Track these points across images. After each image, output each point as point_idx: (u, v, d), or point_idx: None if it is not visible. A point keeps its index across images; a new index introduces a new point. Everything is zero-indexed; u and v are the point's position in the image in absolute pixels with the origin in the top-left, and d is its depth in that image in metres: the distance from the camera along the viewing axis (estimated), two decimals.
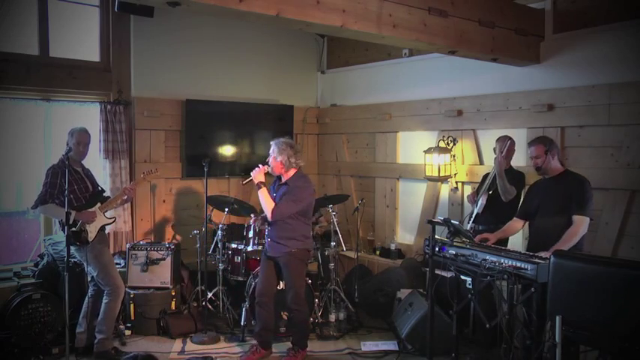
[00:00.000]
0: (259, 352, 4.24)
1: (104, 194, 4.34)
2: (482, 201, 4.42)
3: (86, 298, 4.26)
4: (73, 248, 4.01)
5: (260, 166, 4.13)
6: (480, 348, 4.10)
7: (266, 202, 4.06)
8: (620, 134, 4.12)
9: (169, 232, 5.64)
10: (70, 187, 3.95)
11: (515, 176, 4.31)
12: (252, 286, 4.59)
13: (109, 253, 4.34)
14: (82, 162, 4.29)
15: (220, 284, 5.04)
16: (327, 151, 6.75)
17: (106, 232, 4.42)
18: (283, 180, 4.15)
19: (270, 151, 4.16)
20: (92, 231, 4.10)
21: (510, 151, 4.37)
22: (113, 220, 4.34)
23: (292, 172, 4.15)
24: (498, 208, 4.28)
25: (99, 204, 4.21)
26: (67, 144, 4.13)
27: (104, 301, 4.17)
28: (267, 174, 4.17)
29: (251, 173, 4.14)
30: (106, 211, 4.24)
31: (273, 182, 4.28)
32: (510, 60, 4.47)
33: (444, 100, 5.33)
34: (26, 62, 4.82)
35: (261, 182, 4.09)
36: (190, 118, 5.67)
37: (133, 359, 2.21)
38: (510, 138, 4.39)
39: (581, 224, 3.58)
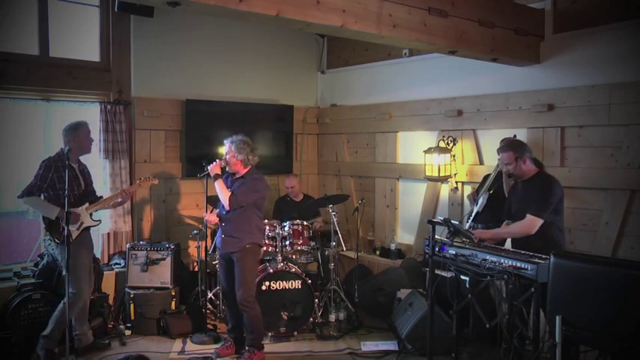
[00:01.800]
0: (233, 347, 4.33)
1: (96, 194, 4.29)
2: (483, 200, 4.42)
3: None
4: (52, 245, 4.00)
5: (217, 160, 4.25)
6: (477, 344, 4.10)
7: (222, 191, 4.17)
8: (620, 134, 4.11)
9: (169, 232, 5.64)
10: (60, 183, 3.92)
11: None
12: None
13: (86, 257, 4.18)
14: (80, 159, 4.24)
15: (220, 284, 5.03)
16: (327, 151, 6.75)
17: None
18: (238, 175, 4.25)
19: (227, 149, 4.22)
20: (74, 230, 4.03)
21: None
22: (98, 222, 4.26)
23: (248, 168, 4.25)
24: (499, 207, 4.28)
25: (87, 203, 4.15)
26: (74, 139, 4.05)
27: (63, 302, 3.99)
28: (222, 169, 4.31)
29: (208, 167, 4.24)
30: (95, 211, 4.18)
31: (225, 179, 4.33)
32: (510, 60, 4.46)
33: (444, 100, 5.33)
34: (26, 62, 4.82)
35: (217, 174, 4.20)
36: (190, 118, 5.67)
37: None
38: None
39: (528, 223, 3.63)
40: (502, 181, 4.28)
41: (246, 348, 4.20)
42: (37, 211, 4.20)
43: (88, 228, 4.18)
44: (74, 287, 4.02)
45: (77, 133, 4.09)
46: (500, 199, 4.31)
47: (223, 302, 4.58)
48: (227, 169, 4.26)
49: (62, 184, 3.97)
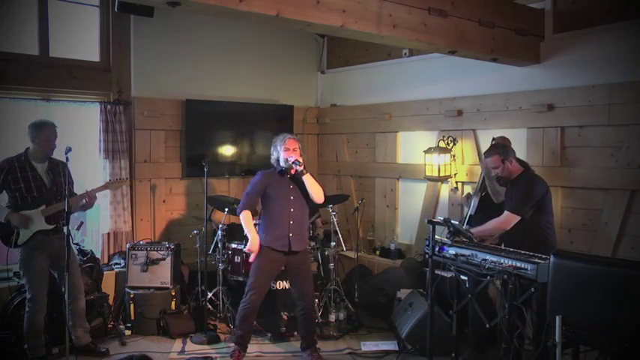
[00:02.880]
0: (241, 354, 4.16)
1: (70, 193, 4.09)
2: (474, 203, 4.43)
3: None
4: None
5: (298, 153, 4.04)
6: (473, 349, 4.10)
7: (316, 184, 4.07)
8: (620, 134, 4.11)
9: (169, 232, 5.64)
10: (15, 184, 3.87)
11: None
12: None
13: (42, 262, 3.96)
14: (56, 157, 4.08)
15: (220, 284, 5.04)
16: (327, 151, 6.75)
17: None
18: (290, 174, 4.11)
19: (296, 144, 4.12)
20: (25, 234, 3.90)
21: None
22: (53, 227, 3.97)
23: None
24: (491, 209, 4.25)
25: (43, 206, 3.95)
26: (34, 139, 3.94)
27: (25, 312, 3.96)
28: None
29: (298, 162, 3.96)
30: (50, 214, 3.96)
31: (271, 175, 4.15)
32: (510, 60, 4.46)
33: (444, 100, 5.33)
34: (26, 62, 4.82)
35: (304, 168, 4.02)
36: (190, 118, 5.67)
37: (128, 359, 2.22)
38: (501, 137, 4.46)
39: (504, 219, 3.77)
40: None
41: (312, 348, 4.22)
42: None
43: (46, 232, 3.95)
44: (31, 293, 3.94)
45: (37, 134, 3.95)
46: (491, 201, 4.31)
47: (240, 306, 4.22)
48: (284, 163, 4.07)
49: (18, 185, 3.89)
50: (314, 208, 5.64)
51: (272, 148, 4.19)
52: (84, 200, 4.07)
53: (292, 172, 4.04)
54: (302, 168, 3.97)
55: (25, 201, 3.94)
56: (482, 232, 3.88)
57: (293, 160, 3.96)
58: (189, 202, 5.79)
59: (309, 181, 4.03)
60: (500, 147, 3.99)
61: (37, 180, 3.98)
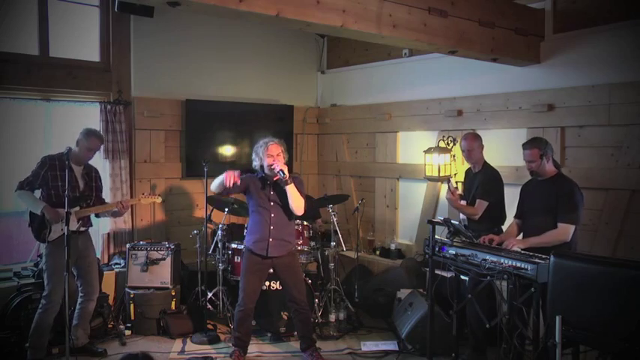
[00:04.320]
0: (241, 355, 4.18)
1: (100, 199, 4.25)
2: (462, 215, 4.42)
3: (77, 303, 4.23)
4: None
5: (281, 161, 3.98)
6: (473, 349, 4.10)
7: (299, 195, 4.03)
8: (620, 134, 4.11)
9: (169, 232, 5.64)
10: (53, 182, 3.93)
11: (487, 181, 4.25)
12: None
13: (63, 261, 3.86)
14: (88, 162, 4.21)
15: (220, 284, 5.04)
16: (327, 151, 6.75)
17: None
18: (274, 179, 4.09)
19: (278, 149, 4.05)
20: (55, 231, 3.95)
21: (469, 151, 4.33)
22: (81, 230, 4.13)
23: None
24: (481, 217, 4.24)
25: (77, 207, 4.03)
26: (78, 143, 4.06)
27: (38, 309, 3.98)
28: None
29: (282, 173, 3.90)
30: (82, 217, 4.08)
31: (253, 179, 4.11)
32: (510, 60, 4.47)
33: (444, 100, 5.33)
34: (26, 62, 4.82)
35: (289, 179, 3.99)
36: (190, 118, 5.67)
37: (132, 359, 2.21)
38: (472, 133, 4.47)
39: (564, 231, 3.59)
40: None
41: (312, 348, 4.21)
42: (25, 205, 4.05)
43: (73, 231, 3.97)
44: (47, 290, 3.97)
45: (82, 139, 4.05)
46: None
47: (234, 307, 4.35)
48: (268, 171, 4.03)
49: (55, 182, 3.96)
50: (314, 210, 5.68)
51: (253, 154, 4.13)
52: (116, 208, 4.20)
53: (275, 178, 4.04)
54: (286, 178, 3.93)
55: (59, 200, 3.96)
56: (539, 244, 3.61)
57: (278, 169, 3.91)
58: (189, 202, 5.79)
59: (291, 192, 4.00)
60: (542, 141, 3.77)
61: (73, 181, 4.04)
